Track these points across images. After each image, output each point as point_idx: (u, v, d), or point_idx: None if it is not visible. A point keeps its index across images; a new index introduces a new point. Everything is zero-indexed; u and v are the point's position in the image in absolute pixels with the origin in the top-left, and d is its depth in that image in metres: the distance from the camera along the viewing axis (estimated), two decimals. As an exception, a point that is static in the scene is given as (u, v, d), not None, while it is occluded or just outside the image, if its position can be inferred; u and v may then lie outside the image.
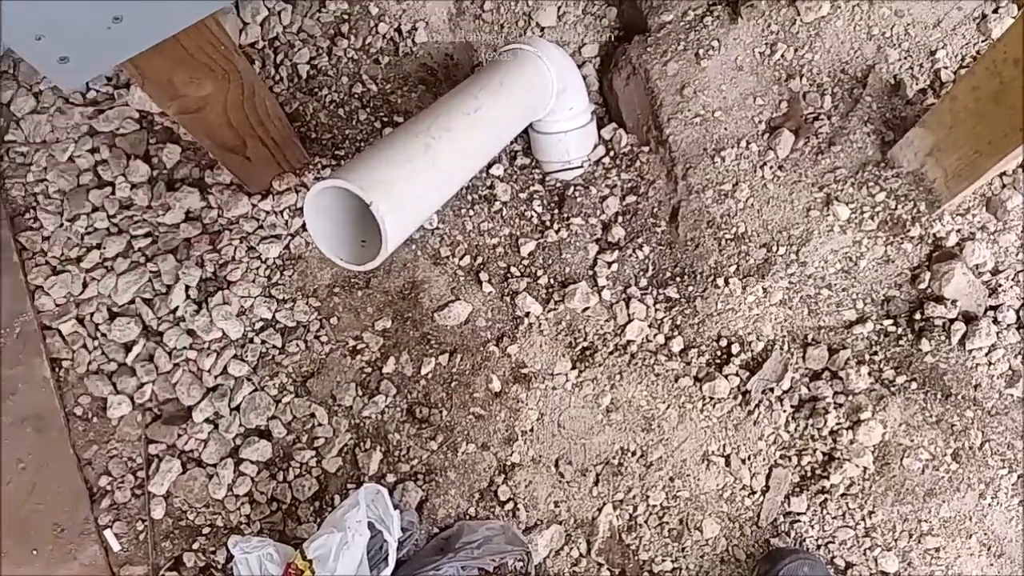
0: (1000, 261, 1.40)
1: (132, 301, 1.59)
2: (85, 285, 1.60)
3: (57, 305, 1.60)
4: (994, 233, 1.41)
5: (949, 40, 1.54)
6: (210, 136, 1.42)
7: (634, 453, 1.44)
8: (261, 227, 1.60)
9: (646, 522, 1.41)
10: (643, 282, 1.53)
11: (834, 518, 1.35)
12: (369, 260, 1.14)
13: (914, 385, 1.36)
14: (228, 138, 1.44)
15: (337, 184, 1.08)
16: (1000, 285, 1.38)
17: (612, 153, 1.67)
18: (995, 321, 1.35)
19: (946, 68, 1.52)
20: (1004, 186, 1.42)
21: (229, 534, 1.48)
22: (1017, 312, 1.36)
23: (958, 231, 1.41)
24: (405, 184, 1.13)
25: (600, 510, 1.43)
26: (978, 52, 1.53)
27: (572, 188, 1.63)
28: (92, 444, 1.56)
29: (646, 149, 1.64)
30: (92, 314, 1.59)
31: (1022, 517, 1.30)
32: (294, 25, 1.70)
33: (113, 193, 1.64)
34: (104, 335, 1.58)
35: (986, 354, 1.34)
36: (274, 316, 1.57)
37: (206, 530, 1.51)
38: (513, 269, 1.58)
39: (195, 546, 1.50)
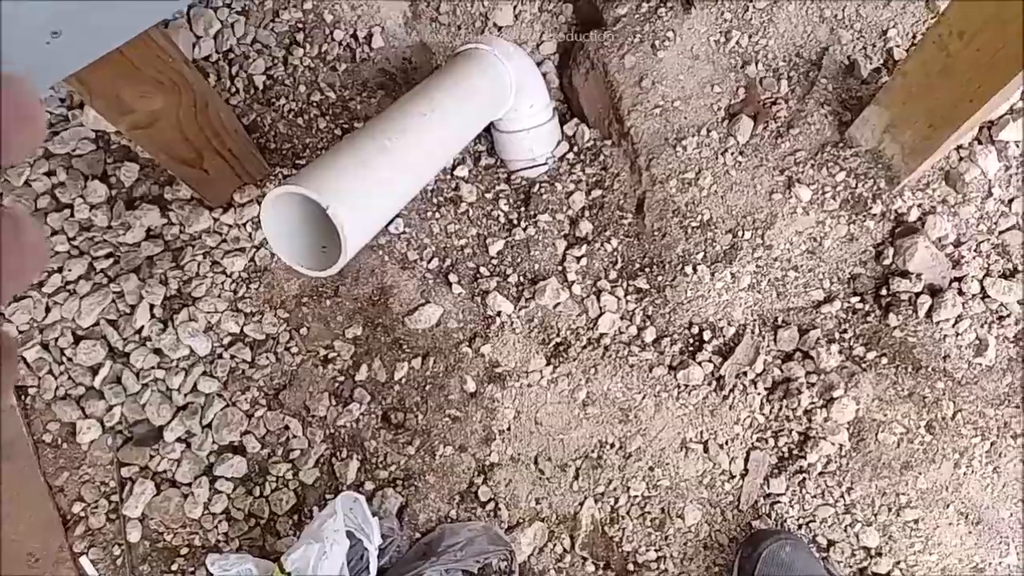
0: (962, 233, 1.41)
1: (97, 323, 1.55)
2: (48, 310, 1.56)
3: (20, 332, 1.56)
4: (954, 206, 1.41)
5: (899, 19, 1.55)
6: (165, 151, 1.39)
7: (612, 445, 1.42)
8: (224, 241, 1.57)
9: (628, 513, 1.40)
10: (613, 274, 1.53)
11: (813, 497, 1.34)
12: (330, 265, 1.12)
13: (884, 360, 1.36)
14: (184, 152, 1.41)
15: (293, 190, 1.06)
16: (963, 256, 1.39)
17: (576, 148, 1.66)
18: (960, 292, 1.36)
19: (898, 47, 1.53)
20: (961, 159, 1.43)
21: (207, 553, 1.44)
22: (981, 282, 1.36)
23: (919, 206, 1.42)
24: (363, 187, 1.11)
25: (582, 504, 1.41)
26: (927, 28, 1.54)
27: (538, 185, 1.62)
28: (63, 470, 1.52)
29: (609, 143, 1.64)
30: (57, 339, 1.55)
31: (997, 484, 1.30)
32: (248, 36, 1.68)
33: (72, 215, 1.60)
34: (70, 359, 1.54)
35: (953, 325, 1.35)
36: (242, 330, 1.54)
37: (184, 550, 1.47)
38: (482, 269, 1.57)
39: (174, 567, 1.46)
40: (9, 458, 1.51)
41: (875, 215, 1.42)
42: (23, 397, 1.54)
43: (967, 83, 1.22)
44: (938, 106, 1.29)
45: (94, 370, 1.53)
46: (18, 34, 0.95)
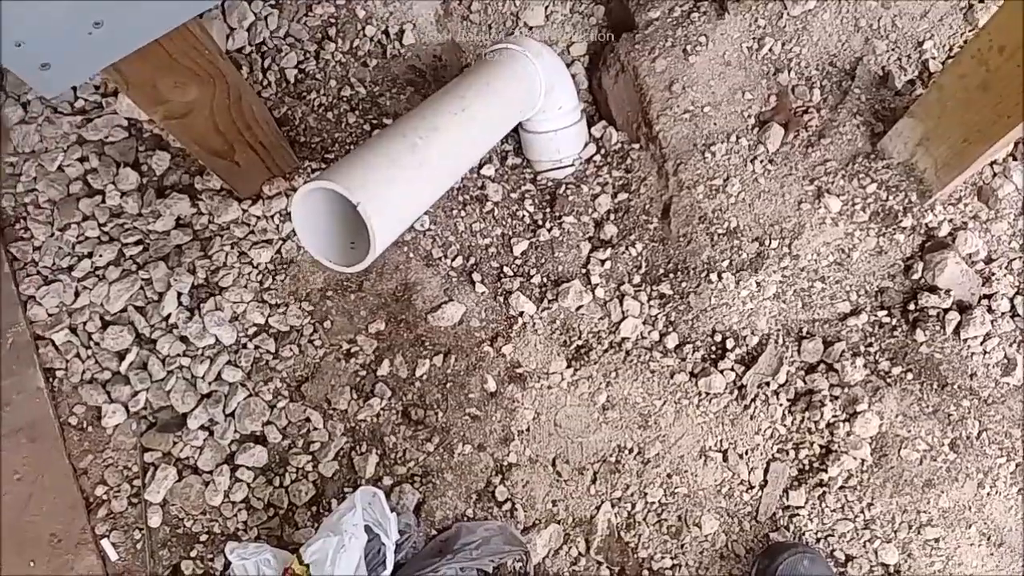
0: (993, 250, 1.37)
1: (124, 309, 1.55)
2: (77, 294, 1.56)
3: (50, 315, 1.56)
4: (986, 222, 1.38)
5: (936, 30, 1.51)
6: (197, 142, 1.39)
7: (631, 450, 1.40)
8: (252, 232, 1.57)
9: (644, 519, 1.38)
10: (636, 279, 1.50)
11: (833, 511, 1.31)
12: (358, 262, 1.11)
13: (910, 376, 1.33)
14: (216, 143, 1.40)
15: (324, 186, 1.05)
16: (993, 274, 1.35)
17: (603, 151, 1.64)
18: (989, 310, 1.32)
19: (934, 58, 1.50)
20: (995, 174, 1.39)
21: (226, 541, 1.44)
22: (1011, 300, 1.33)
23: (950, 220, 1.38)
24: (392, 185, 1.10)
25: (598, 508, 1.39)
26: (965, 41, 1.50)
27: (564, 187, 1.60)
28: (88, 453, 1.52)
29: (636, 146, 1.61)
30: (85, 323, 1.56)
31: (1021, 506, 1.27)
32: (281, 29, 1.67)
33: (103, 201, 1.60)
34: (97, 344, 1.54)
35: (981, 343, 1.31)
36: (267, 321, 1.53)
37: (203, 537, 1.47)
38: (506, 269, 1.55)
39: (193, 554, 1.46)
40: (35, 439, 1.51)
41: (905, 229, 1.38)
42: (50, 380, 1.54)
43: (1006, 99, 1.18)
44: (974, 121, 1.25)
45: (121, 355, 1.53)
46: (61, 23, 0.95)
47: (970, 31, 1.50)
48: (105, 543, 1.48)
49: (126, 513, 1.50)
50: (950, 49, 1.51)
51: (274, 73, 1.65)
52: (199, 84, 1.28)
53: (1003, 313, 1.32)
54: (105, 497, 1.50)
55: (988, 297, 1.33)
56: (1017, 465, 1.27)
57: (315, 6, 1.67)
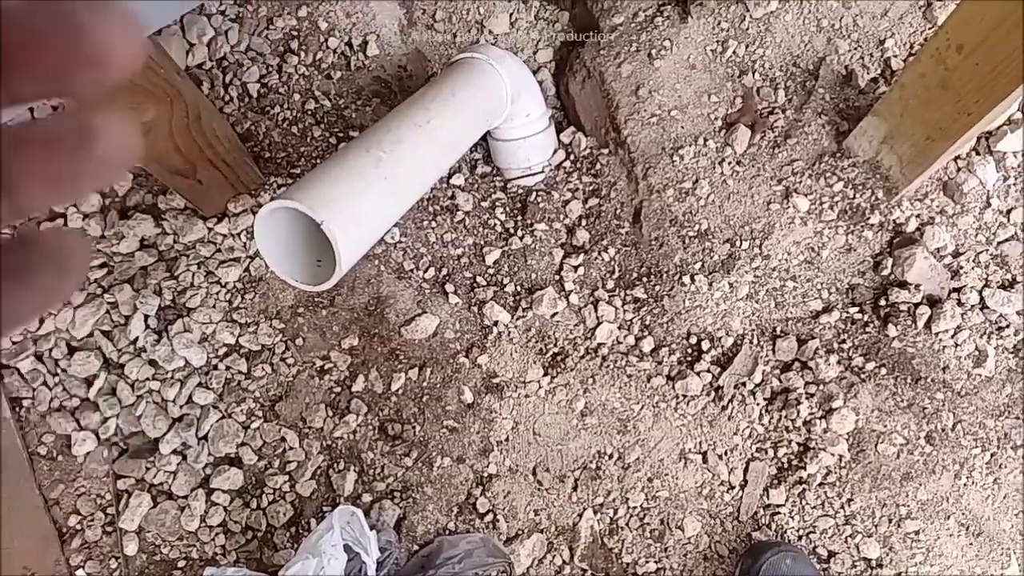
0: (960, 243, 1.35)
1: (91, 334, 1.48)
2: (42, 321, 1.48)
3: (14, 343, 1.48)
4: (952, 216, 1.36)
5: (897, 29, 1.49)
6: (158, 162, 1.32)
7: (611, 456, 1.36)
8: (219, 251, 1.50)
9: (627, 524, 1.34)
10: (610, 284, 1.46)
11: (813, 508, 1.29)
12: (325, 280, 1.05)
13: (883, 371, 1.30)
14: (177, 163, 1.33)
15: (286, 205, 0.99)
16: (961, 267, 1.33)
17: (572, 157, 1.60)
18: (959, 303, 1.30)
19: (896, 56, 1.47)
20: (959, 169, 1.37)
21: (205, 566, 1.38)
22: (980, 293, 1.31)
23: (917, 216, 1.36)
24: (357, 200, 1.04)
25: (581, 516, 1.35)
26: (925, 39, 1.48)
27: (534, 194, 1.56)
28: (59, 483, 1.45)
29: (606, 151, 1.57)
30: (51, 350, 1.48)
31: (997, 495, 1.25)
32: (242, 44, 1.60)
33: (65, 225, 1.53)
34: (64, 371, 1.47)
35: (952, 336, 1.29)
36: (237, 341, 1.47)
37: (181, 563, 1.41)
38: (479, 279, 1.50)
39: (171, 580, 1.40)
40: (3, 470, 1.43)
41: (873, 225, 1.36)
42: (17, 409, 1.46)
43: (965, 96, 1.16)
44: (936, 119, 1.23)
45: (89, 381, 1.46)
46: None
47: (930, 29, 1.48)
48: (80, 574, 1.41)
49: (101, 542, 1.43)
50: (911, 47, 1.49)
51: (236, 88, 1.58)
52: (156, 104, 1.21)
53: (972, 306, 1.30)
54: (79, 527, 1.43)
55: (957, 290, 1.31)
56: (992, 455, 1.25)
57: (276, 19, 1.61)
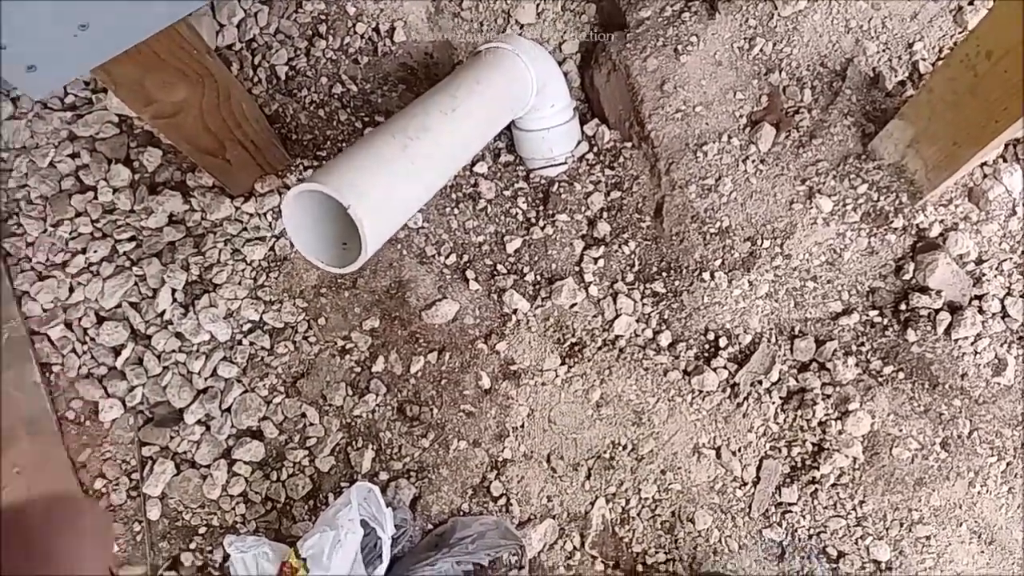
0: (984, 251, 1.27)
1: (119, 305, 1.42)
2: (72, 290, 1.43)
3: (45, 310, 1.43)
4: (977, 223, 1.28)
5: (926, 32, 1.40)
6: (188, 140, 1.25)
7: (625, 447, 1.30)
8: (245, 229, 1.44)
9: (639, 515, 1.28)
10: (630, 277, 1.39)
11: (825, 508, 1.22)
12: (350, 263, 0.99)
13: (901, 375, 1.23)
14: (206, 142, 1.27)
15: (314, 188, 0.93)
16: (984, 274, 1.25)
17: (595, 149, 1.52)
18: (980, 311, 1.23)
19: (924, 60, 1.39)
20: (985, 176, 1.29)
21: (225, 533, 1.34)
22: (1002, 301, 1.23)
23: (941, 221, 1.28)
24: (383, 186, 0.98)
25: (593, 504, 1.29)
26: (955, 43, 1.39)
27: (557, 185, 1.48)
28: (86, 447, 1.40)
29: (629, 145, 1.49)
30: (80, 319, 1.43)
31: (1011, 504, 1.18)
32: (271, 26, 1.52)
33: (96, 198, 1.46)
34: (93, 339, 1.42)
35: (972, 343, 1.22)
36: (261, 318, 1.41)
37: (202, 530, 1.36)
38: (499, 266, 1.43)
39: (192, 546, 1.36)
40: (33, 434, 1.39)
41: (896, 229, 1.28)
42: (47, 374, 1.42)
43: (994, 103, 1.09)
44: (963, 124, 1.16)
45: (116, 351, 1.41)
46: (46, 26, 0.84)
47: (960, 33, 1.39)
48: (103, 538, 1.37)
49: (125, 506, 1.39)
50: (940, 51, 1.39)
51: (264, 70, 1.51)
52: (187, 84, 1.15)
53: (994, 314, 1.22)
54: (104, 490, 1.39)
55: (979, 298, 1.24)
56: (1008, 464, 1.18)
57: (305, 3, 1.53)
